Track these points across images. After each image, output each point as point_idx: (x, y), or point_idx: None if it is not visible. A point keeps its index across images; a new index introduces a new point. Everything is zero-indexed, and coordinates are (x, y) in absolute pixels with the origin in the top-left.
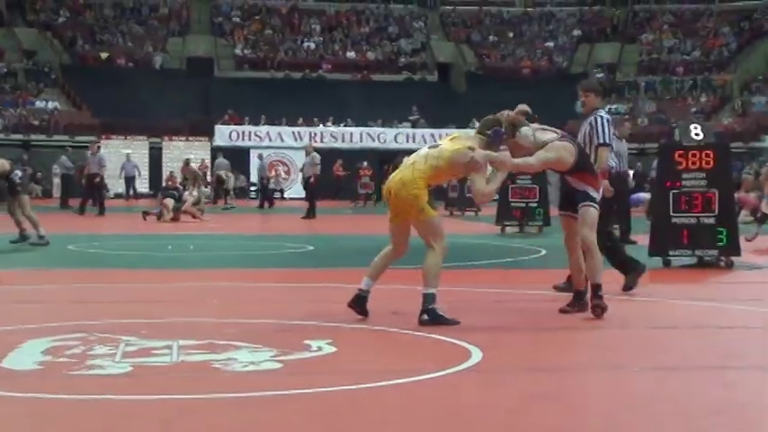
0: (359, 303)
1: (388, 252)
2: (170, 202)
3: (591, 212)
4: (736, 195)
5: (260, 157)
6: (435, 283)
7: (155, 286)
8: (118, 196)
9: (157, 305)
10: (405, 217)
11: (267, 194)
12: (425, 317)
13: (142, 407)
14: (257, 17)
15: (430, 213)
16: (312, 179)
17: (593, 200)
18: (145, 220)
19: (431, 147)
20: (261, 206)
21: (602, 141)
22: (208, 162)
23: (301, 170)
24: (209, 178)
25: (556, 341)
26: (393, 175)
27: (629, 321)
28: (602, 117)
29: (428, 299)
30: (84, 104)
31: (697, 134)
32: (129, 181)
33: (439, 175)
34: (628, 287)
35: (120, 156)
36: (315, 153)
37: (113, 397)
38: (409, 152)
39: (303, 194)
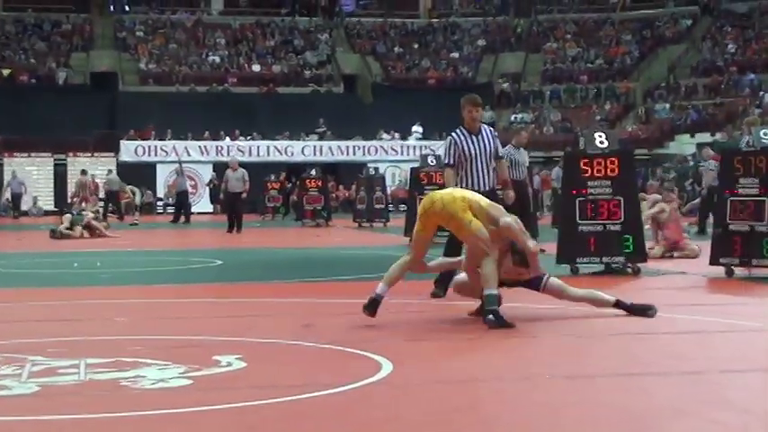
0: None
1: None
2: (67, 218)
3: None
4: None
5: (178, 171)
6: (495, 285)
7: (61, 304)
8: (23, 214)
9: (63, 324)
10: (454, 226)
11: (185, 209)
12: (491, 317)
13: (50, 427)
14: (161, 31)
15: (478, 223)
16: (244, 194)
17: None
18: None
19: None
20: (175, 220)
21: (503, 154)
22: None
23: (208, 184)
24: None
25: (468, 352)
26: (440, 192)
27: (540, 330)
28: (494, 130)
29: (491, 299)
30: None
31: (601, 142)
32: (16, 198)
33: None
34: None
35: (25, 173)
36: (242, 169)
37: (20, 418)
38: (315, 165)
39: (212, 208)
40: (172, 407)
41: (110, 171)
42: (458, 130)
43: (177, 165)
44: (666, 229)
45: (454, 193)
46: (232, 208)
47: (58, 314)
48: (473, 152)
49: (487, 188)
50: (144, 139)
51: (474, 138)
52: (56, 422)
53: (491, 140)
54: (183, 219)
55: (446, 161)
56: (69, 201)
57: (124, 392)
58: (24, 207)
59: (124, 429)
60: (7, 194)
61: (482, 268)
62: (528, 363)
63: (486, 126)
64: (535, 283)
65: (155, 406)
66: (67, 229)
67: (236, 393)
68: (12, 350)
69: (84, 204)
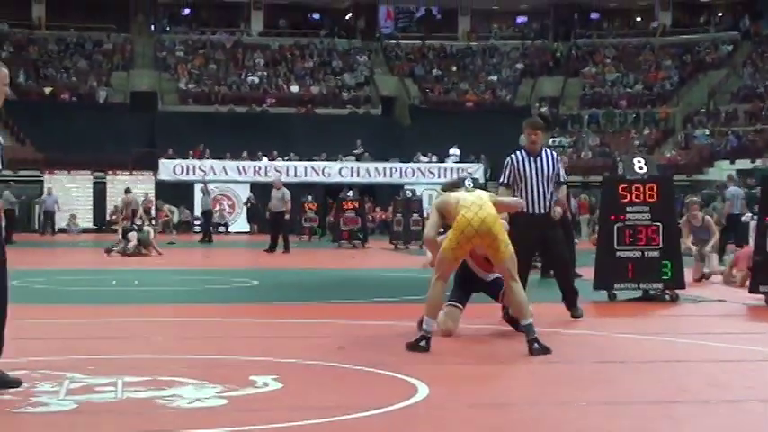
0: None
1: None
2: (133, 235)
3: None
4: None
5: (203, 190)
6: (530, 313)
7: (99, 322)
8: (62, 231)
9: (102, 341)
10: (491, 251)
11: (207, 227)
12: (537, 346)
13: None
14: (201, 51)
15: (511, 247)
16: (286, 215)
17: None
18: (108, 256)
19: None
20: (206, 240)
21: (565, 180)
22: (152, 196)
23: (245, 203)
24: (153, 212)
25: (503, 376)
26: (477, 211)
27: (576, 356)
28: (557, 155)
29: (531, 328)
30: (28, 139)
31: (640, 167)
32: (48, 215)
33: None
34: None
35: (65, 191)
36: (285, 189)
37: None
38: (352, 186)
39: (249, 228)
40: (207, 426)
41: (128, 190)
42: (517, 152)
43: (202, 184)
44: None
45: (492, 212)
46: (273, 228)
47: (97, 332)
48: (529, 174)
49: (542, 211)
50: (183, 159)
51: (533, 160)
52: None
53: (551, 164)
54: (206, 238)
55: (501, 180)
56: (109, 218)
57: (160, 411)
58: (62, 224)
59: None
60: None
61: (516, 296)
62: (565, 388)
63: (549, 150)
64: (493, 290)
65: (190, 425)
66: (137, 247)
67: (272, 414)
68: (50, 367)
69: (125, 223)
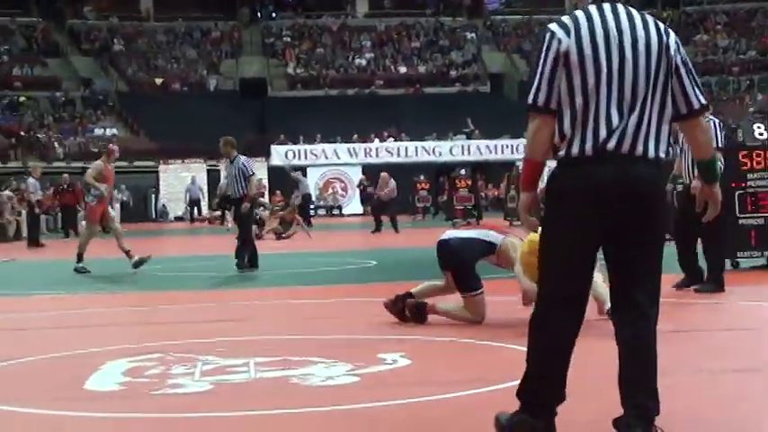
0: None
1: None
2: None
3: None
4: None
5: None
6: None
7: (225, 306)
8: (179, 219)
9: (230, 324)
10: None
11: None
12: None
13: (226, 422)
14: (308, 36)
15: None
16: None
17: None
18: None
19: None
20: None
21: (719, 146)
22: (265, 182)
23: (358, 186)
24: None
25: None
26: None
27: (705, 324)
28: (715, 121)
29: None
30: (141, 130)
31: (761, 133)
32: (194, 203)
33: None
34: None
35: (180, 179)
36: (392, 180)
37: (198, 414)
38: (464, 164)
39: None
40: (343, 403)
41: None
42: None
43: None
44: None
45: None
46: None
47: (224, 315)
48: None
49: (688, 181)
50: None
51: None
52: (232, 417)
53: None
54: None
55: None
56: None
57: (295, 389)
58: (179, 213)
59: (299, 423)
60: (164, 200)
61: (595, 294)
62: (702, 358)
63: (712, 118)
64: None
65: (326, 402)
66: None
67: (405, 390)
68: (183, 350)
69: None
